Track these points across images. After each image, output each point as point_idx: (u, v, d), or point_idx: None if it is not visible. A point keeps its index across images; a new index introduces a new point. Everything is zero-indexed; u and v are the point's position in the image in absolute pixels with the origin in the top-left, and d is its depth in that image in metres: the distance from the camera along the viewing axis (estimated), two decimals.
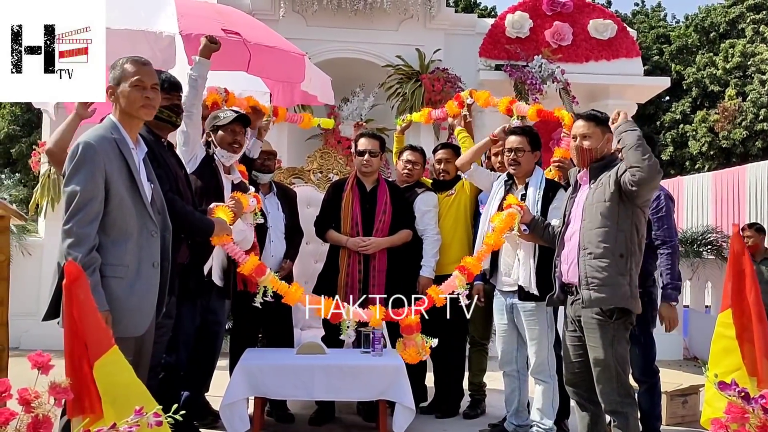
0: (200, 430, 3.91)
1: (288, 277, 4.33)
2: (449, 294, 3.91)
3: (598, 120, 3.44)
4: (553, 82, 7.16)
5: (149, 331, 2.84)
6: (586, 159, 3.44)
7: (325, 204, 4.62)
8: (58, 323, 2.69)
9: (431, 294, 3.89)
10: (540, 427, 3.93)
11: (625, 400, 3.26)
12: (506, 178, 4.16)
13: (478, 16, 9.01)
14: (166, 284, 2.89)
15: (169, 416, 1.94)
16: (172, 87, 3.53)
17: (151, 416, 1.93)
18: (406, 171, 4.72)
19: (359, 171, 4.53)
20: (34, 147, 7.25)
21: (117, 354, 2.23)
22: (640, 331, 3.83)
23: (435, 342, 3.86)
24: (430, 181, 4.89)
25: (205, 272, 3.80)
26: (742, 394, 2.00)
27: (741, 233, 6.71)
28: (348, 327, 3.77)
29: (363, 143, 4.49)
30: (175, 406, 2.02)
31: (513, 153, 4.05)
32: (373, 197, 4.47)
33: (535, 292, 3.85)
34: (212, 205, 3.64)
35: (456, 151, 4.75)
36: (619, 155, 3.48)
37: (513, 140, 4.10)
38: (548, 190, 4.02)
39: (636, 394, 3.97)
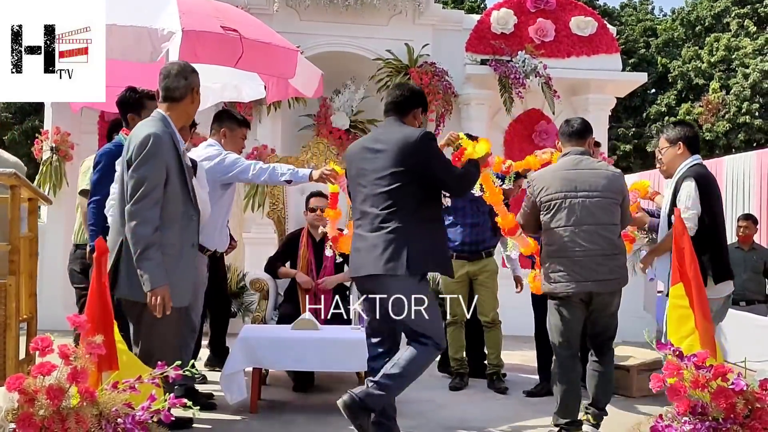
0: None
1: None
2: None
3: None
4: (536, 77, 7.38)
5: (193, 305, 3.29)
6: None
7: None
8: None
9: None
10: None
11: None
12: None
13: (467, 11, 9.22)
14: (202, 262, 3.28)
15: (187, 370, 2.25)
16: None
17: (172, 370, 2.25)
18: None
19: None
20: (37, 135, 7.42)
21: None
22: None
23: None
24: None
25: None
26: (677, 352, 2.34)
27: (737, 223, 7.01)
28: None
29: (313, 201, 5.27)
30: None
31: None
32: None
33: None
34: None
35: None
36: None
37: None
38: None
39: None
